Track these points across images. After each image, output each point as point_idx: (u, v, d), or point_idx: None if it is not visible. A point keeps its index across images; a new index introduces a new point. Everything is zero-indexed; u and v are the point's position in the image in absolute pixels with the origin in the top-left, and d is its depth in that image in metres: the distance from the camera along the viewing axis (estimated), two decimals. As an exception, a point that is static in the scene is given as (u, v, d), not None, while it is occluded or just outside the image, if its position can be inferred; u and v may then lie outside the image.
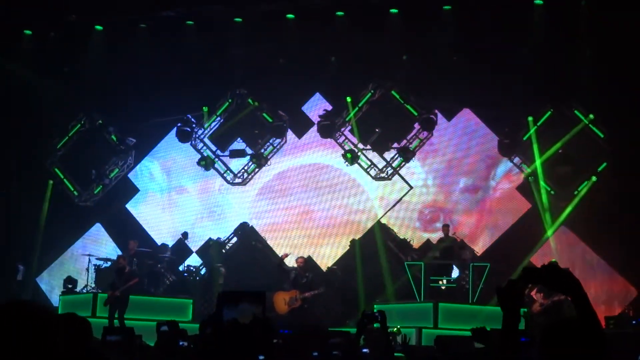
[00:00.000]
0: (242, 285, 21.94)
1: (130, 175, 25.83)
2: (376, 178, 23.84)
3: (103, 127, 25.19)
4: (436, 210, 23.83)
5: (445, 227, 21.33)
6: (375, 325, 14.53)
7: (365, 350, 12.44)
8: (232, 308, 6.82)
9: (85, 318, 6.28)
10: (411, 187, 23.88)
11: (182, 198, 25.60)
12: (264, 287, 21.22)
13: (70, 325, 5.13)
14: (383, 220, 23.85)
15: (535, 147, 22.30)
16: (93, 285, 21.54)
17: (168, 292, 21.49)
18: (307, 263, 21.80)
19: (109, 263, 22.18)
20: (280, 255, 21.65)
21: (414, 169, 23.97)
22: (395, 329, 14.88)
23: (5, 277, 23.20)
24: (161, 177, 25.90)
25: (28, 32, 23.46)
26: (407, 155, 23.25)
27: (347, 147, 23.75)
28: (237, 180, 24.93)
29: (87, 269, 21.88)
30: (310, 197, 24.59)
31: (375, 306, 19.02)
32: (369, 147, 23.76)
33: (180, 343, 9.52)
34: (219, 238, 24.42)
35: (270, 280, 22.25)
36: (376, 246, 22.85)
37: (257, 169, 24.74)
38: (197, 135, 24.90)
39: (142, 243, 23.16)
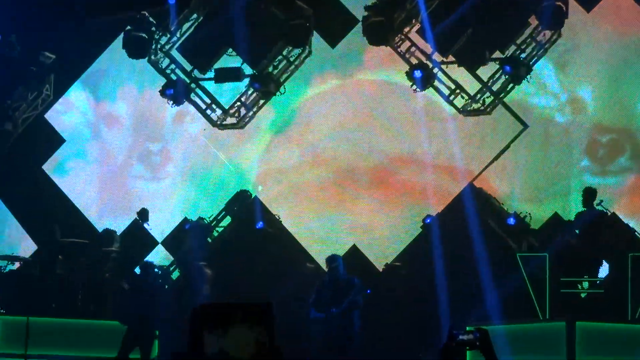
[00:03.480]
0: (240, 296, 20.46)
1: (49, 116, 23.99)
2: (465, 111, 21.55)
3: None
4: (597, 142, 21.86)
5: (589, 192, 19.23)
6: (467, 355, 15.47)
7: (444, 394, 11.84)
8: (218, 334, 5.60)
9: None
10: (526, 126, 21.78)
11: (136, 153, 24.25)
12: (276, 298, 19.85)
13: None
14: (478, 183, 21.62)
15: None
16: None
17: (117, 311, 20.07)
18: (350, 258, 20.78)
19: (15, 264, 21.52)
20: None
21: (547, 79, 21.97)
22: None
23: None
24: (99, 118, 24.51)
25: None
26: (517, 71, 20.66)
27: (414, 61, 21.24)
28: (230, 120, 22.91)
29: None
30: (353, 145, 22.80)
31: (467, 328, 17.66)
32: (451, 59, 21.26)
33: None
34: (200, 218, 22.66)
35: (288, 287, 21.12)
36: (467, 227, 20.49)
37: (262, 101, 22.66)
38: (159, 46, 22.78)
39: (70, 229, 21.97)
